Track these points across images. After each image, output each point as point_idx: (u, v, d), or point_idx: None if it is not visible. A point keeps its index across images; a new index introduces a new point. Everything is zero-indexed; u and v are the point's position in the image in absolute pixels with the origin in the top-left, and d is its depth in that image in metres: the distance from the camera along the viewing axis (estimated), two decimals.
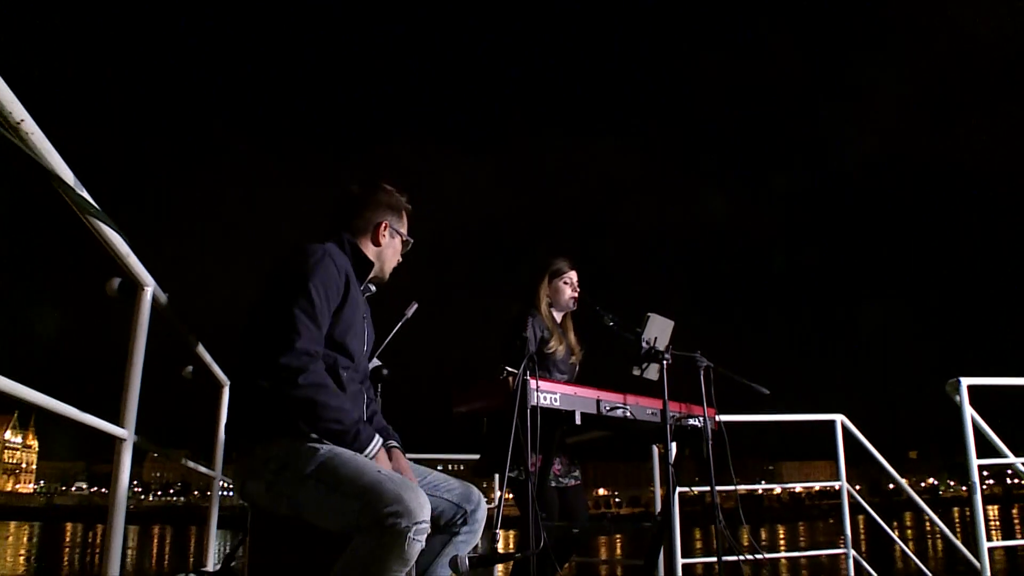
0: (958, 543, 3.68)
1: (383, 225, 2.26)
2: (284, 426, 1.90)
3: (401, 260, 2.39)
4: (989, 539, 3.38)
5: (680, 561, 3.84)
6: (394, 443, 2.16)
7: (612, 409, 3.17)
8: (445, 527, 2.21)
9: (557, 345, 3.62)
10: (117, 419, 1.81)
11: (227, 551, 3.05)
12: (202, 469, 2.80)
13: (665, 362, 3.30)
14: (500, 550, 2.78)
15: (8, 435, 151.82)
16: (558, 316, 3.75)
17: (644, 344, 3.32)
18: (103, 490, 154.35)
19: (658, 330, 3.37)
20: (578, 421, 3.04)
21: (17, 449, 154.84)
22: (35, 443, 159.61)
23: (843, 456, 4.22)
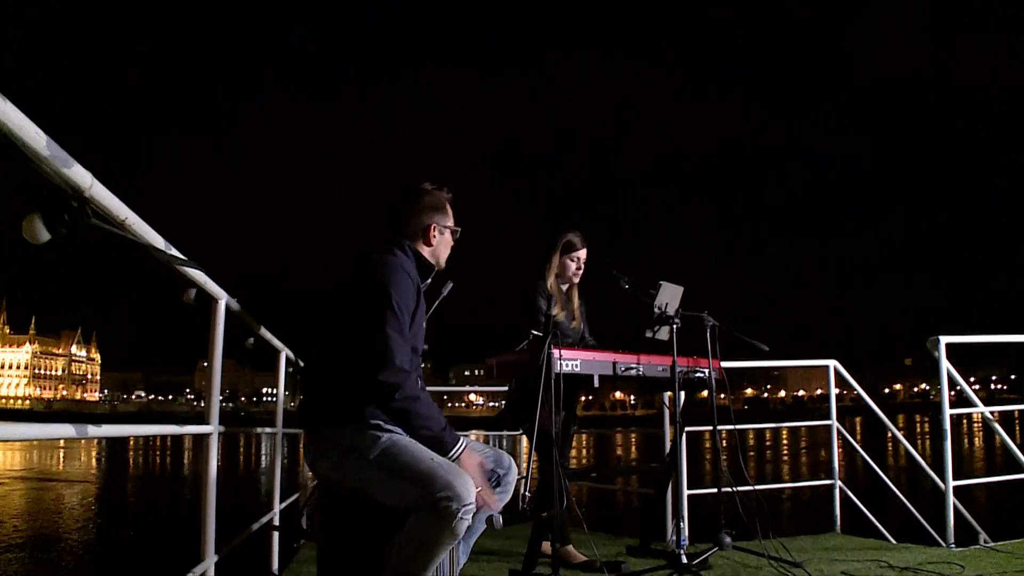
0: (932, 474, 3.84)
1: (432, 227, 2.34)
2: (351, 413, 2.08)
3: (453, 244, 2.46)
4: (956, 478, 3.60)
5: (686, 492, 4.06)
6: None
7: (627, 369, 3.34)
8: None
9: (559, 312, 3.74)
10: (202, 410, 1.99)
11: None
12: (268, 430, 3.02)
13: (675, 325, 3.44)
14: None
15: (74, 349, 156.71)
16: (564, 287, 3.87)
17: (656, 309, 3.46)
18: (159, 397, 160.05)
19: (669, 296, 3.49)
20: (596, 384, 3.22)
21: (83, 362, 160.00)
22: (98, 356, 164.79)
23: (834, 399, 4.38)
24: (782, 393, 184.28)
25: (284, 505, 3.33)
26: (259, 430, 2.97)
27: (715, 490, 3.65)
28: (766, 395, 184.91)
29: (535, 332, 3.22)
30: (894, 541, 4.02)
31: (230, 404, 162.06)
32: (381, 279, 2.10)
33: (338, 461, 2.08)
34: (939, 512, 3.69)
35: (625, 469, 4.11)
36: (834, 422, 4.33)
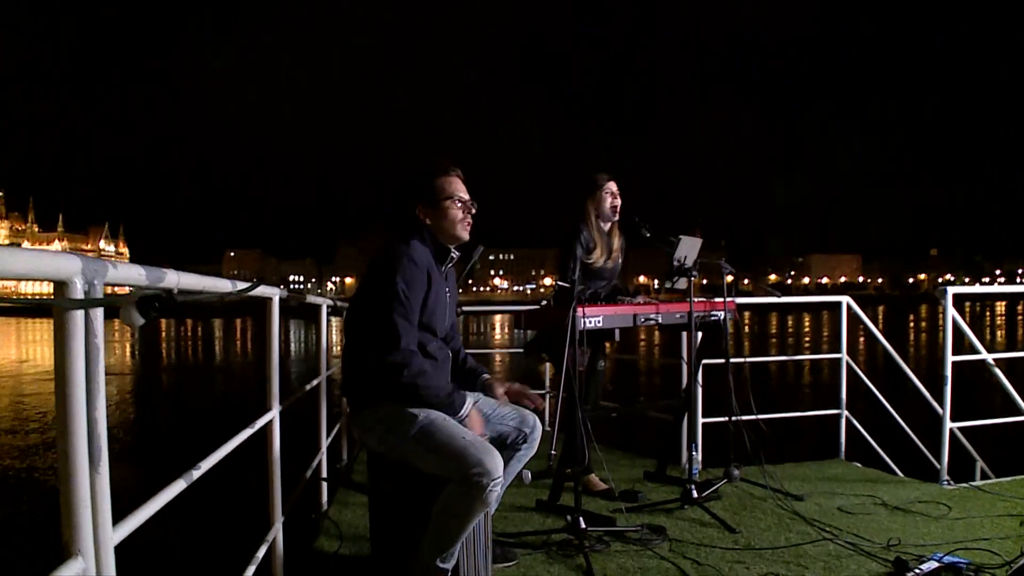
0: (935, 404, 4.04)
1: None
2: (388, 394, 2.34)
3: (473, 210, 2.57)
4: (955, 420, 3.86)
5: (700, 420, 4.36)
6: (473, 396, 2.57)
7: (646, 320, 3.55)
8: (511, 446, 2.68)
9: (599, 257, 3.91)
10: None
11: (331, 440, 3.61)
12: (314, 383, 3.31)
13: (692, 277, 3.62)
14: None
15: (103, 244, 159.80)
16: (605, 226, 4.00)
17: (676, 262, 3.63)
18: None
19: (688, 248, 3.65)
20: (617, 338, 3.44)
21: (112, 256, 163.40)
22: (126, 250, 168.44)
23: (845, 334, 4.56)
24: (806, 280, 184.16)
25: (329, 441, 3.66)
26: (308, 387, 3.24)
27: (726, 419, 3.90)
28: (790, 281, 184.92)
29: (561, 284, 3.42)
30: (898, 471, 4.31)
31: None
32: (388, 270, 2.34)
33: (382, 437, 2.36)
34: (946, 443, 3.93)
35: (644, 406, 4.41)
36: (844, 355, 4.54)
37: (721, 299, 3.86)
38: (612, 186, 4.00)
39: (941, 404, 3.86)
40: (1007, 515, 3.26)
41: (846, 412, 4.57)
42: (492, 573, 2.67)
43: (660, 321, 3.63)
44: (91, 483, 0.92)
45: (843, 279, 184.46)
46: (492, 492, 2.18)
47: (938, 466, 3.93)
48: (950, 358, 3.80)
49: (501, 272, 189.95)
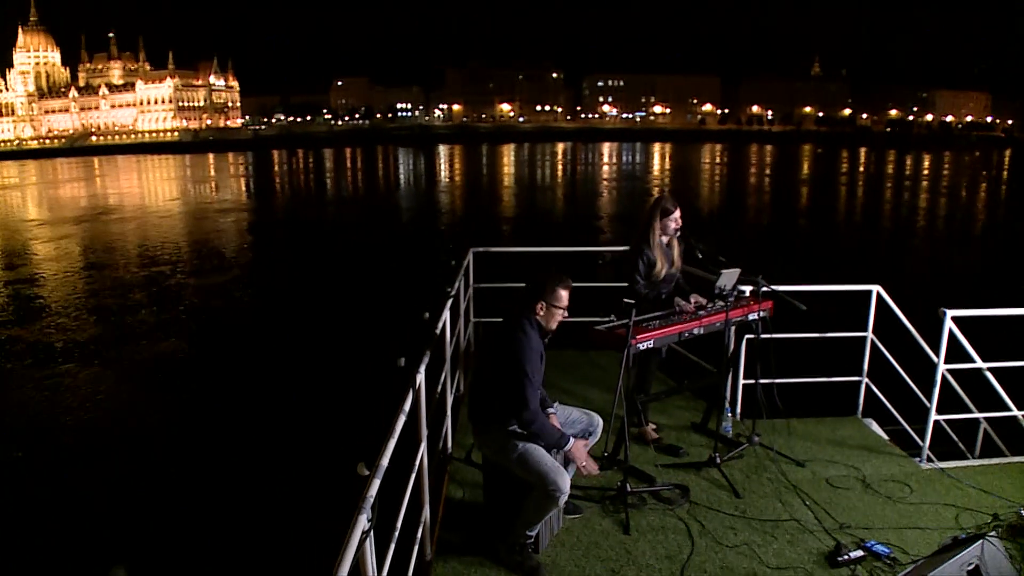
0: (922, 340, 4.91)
1: (540, 306, 3.67)
2: (503, 425, 3.60)
3: (566, 314, 3.73)
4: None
5: (742, 382, 5.45)
6: (551, 410, 3.80)
7: (689, 335, 4.58)
8: (581, 437, 3.90)
9: (662, 267, 4.88)
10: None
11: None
12: (445, 371, 4.57)
13: (730, 300, 4.58)
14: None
15: (212, 79, 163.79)
16: (665, 240, 4.94)
17: (717, 290, 4.58)
18: (298, 119, 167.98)
19: (727, 279, 4.60)
20: (663, 355, 4.50)
21: (222, 90, 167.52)
22: (236, 83, 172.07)
23: (872, 324, 5.36)
24: (929, 117, 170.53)
25: (457, 382, 4.96)
26: (436, 393, 4.52)
27: (754, 382, 4.96)
28: (911, 118, 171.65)
29: (627, 300, 4.44)
30: (909, 429, 5.15)
31: (367, 121, 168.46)
32: (519, 355, 3.53)
33: (495, 452, 3.67)
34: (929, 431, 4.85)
35: (688, 386, 5.52)
36: (870, 334, 5.35)
37: (756, 303, 4.82)
38: (677, 214, 4.91)
39: (929, 400, 4.75)
40: (952, 505, 4.21)
41: (866, 380, 5.48)
42: (563, 522, 4.00)
43: (702, 333, 4.65)
44: None
45: (969, 118, 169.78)
46: (562, 499, 3.45)
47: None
48: (942, 367, 4.67)
49: (610, 99, 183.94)
